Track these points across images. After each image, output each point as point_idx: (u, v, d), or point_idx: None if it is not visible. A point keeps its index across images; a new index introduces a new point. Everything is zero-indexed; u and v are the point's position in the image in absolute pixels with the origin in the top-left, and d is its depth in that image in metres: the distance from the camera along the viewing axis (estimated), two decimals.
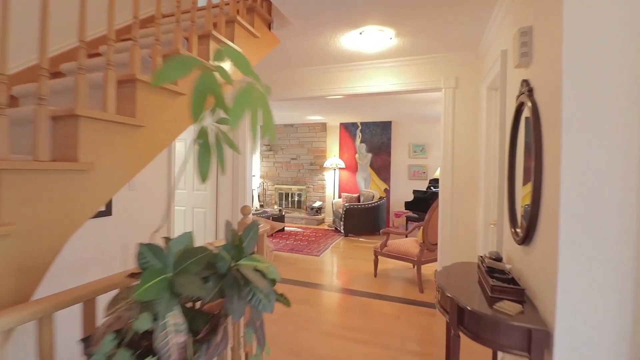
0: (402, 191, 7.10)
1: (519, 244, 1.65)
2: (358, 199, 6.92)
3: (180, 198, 4.07)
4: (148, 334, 0.82)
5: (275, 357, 2.32)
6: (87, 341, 0.88)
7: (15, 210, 1.03)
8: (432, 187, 5.56)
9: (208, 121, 1.01)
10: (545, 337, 1.21)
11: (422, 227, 3.48)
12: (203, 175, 0.95)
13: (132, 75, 1.42)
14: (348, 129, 7.55)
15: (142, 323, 0.79)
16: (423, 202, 5.36)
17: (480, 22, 2.43)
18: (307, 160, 7.76)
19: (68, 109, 1.20)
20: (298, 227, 6.99)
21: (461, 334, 1.48)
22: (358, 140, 7.46)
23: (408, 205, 5.53)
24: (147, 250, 0.89)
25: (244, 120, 3.74)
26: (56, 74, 2.07)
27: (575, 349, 1.16)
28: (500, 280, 1.58)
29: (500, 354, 2.10)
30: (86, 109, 1.23)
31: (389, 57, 3.14)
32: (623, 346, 1.11)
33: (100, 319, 0.95)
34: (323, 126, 7.63)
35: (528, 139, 1.60)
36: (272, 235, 6.10)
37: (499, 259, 1.83)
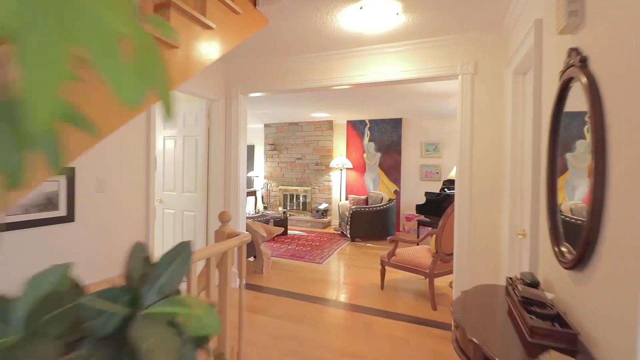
0: (414, 193, 6.64)
1: (566, 268, 1.22)
2: (366, 201, 6.50)
3: (170, 200, 3.76)
4: None
5: None
6: None
7: None
8: (446, 189, 5.10)
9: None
10: None
11: (435, 235, 3.06)
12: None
13: None
14: (356, 126, 7.14)
15: None
16: (436, 205, 4.91)
17: None
18: (313, 160, 7.39)
19: None
20: (302, 231, 6.62)
21: None
22: (366, 138, 7.05)
23: (420, 208, 5.09)
24: None
25: (223, 113, 3.34)
26: None
27: None
28: (541, 317, 1.17)
29: None
30: None
31: (396, 40, 2.74)
32: None
33: None
34: (329, 124, 7.25)
35: (577, 128, 1.19)
36: (273, 239, 5.75)
37: (534, 284, 1.42)
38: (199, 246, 3.58)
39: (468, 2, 2.13)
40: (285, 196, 7.72)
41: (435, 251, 3.05)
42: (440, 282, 3.67)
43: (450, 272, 3.18)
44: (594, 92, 1.06)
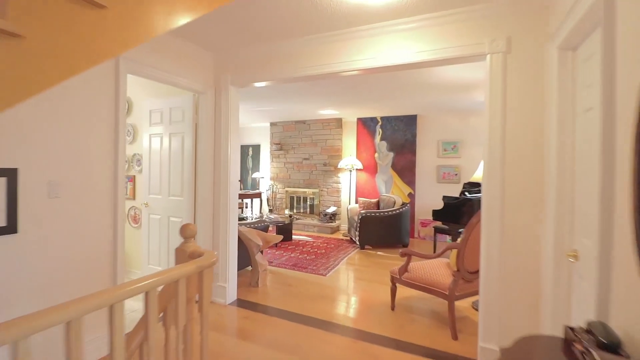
0: (430, 196, 6.10)
1: None
2: (377, 204, 6.01)
3: (155, 205, 3.40)
4: None
5: None
6: None
7: None
8: (466, 193, 4.56)
9: None
10: None
11: (456, 250, 2.55)
12: None
13: None
14: (366, 124, 6.65)
15: None
16: (455, 211, 4.37)
17: None
18: (321, 161, 6.95)
19: None
20: (308, 236, 6.18)
21: None
22: (378, 137, 6.55)
23: (437, 214, 4.56)
24: None
25: (212, 108, 2.94)
26: None
27: None
28: None
29: None
30: None
31: (408, 14, 2.26)
32: None
33: None
34: (338, 122, 6.79)
35: None
36: (276, 245, 5.33)
37: (612, 345, 0.93)
38: None
39: None
40: (291, 198, 7.31)
41: (456, 269, 2.55)
42: (461, 302, 3.15)
43: (475, 293, 2.67)
44: None
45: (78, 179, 2.11)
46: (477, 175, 3.43)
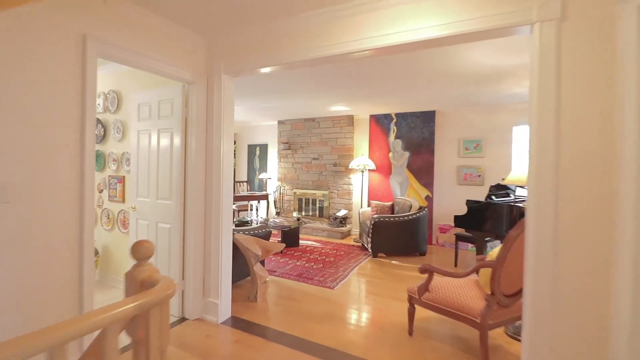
0: (449, 199, 5.59)
1: None
2: (391, 208, 5.54)
3: (143, 209, 3.06)
4: None
5: None
6: None
7: None
8: (493, 197, 4.05)
9: None
10: None
11: (492, 270, 2.09)
12: None
13: None
14: (380, 122, 6.20)
15: None
16: (480, 217, 3.87)
17: None
18: (331, 161, 6.53)
19: None
20: (316, 241, 5.77)
21: None
22: (392, 135, 6.08)
23: (459, 221, 4.07)
24: None
25: (203, 100, 2.56)
26: None
27: None
28: None
29: None
30: None
31: None
32: None
33: None
34: (349, 119, 6.35)
35: None
36: (281, 252, 4.94)
37: None
38: (174, 273, 2.84)
39: None
40: (299, 200, 6.92)
41: (490, 292, 2.08)
42: (495, 331, 2.67)
43: (512, 320, 2.20)
44: None
45: (35, 181, 1.76)
46: (515, 177, 2.94)
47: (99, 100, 3.60)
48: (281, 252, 4.94)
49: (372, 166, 6.05)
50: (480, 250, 3.88)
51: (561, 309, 1.63)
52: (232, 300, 3.11)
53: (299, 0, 2.12)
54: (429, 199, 5.69)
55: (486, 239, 3.89)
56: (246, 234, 3.34)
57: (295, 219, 6.23)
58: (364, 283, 3.80)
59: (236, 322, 2.76)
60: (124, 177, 3.40)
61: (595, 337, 1.56)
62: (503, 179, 4.70)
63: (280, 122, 7.10)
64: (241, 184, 7.83)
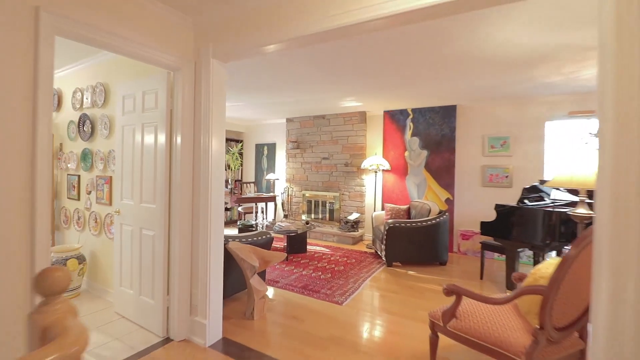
0: (473, 202, 5.07)
1: None
2: (407, 212, 5.06)
3: (128, 212, 2.73)
4: None
5: None
6: None
7: None
8: (525, 200, 3.53)
9: None
10: None
11: (542, 298, 1.62)
12: None
13: None
14: (395, 118, 5.73)
15: None
16: (511, 223, 3.37)
17: None
18: (342, 160, 6.11)
19: None
20: (326, 247, 5.35)
21: None
22: (408, 132, 5.60)
23: (487, 227, 3.57)
24: None
25: (190, 89, 2.19)
26: None
27: None
28: None
29: None
30: None
31: None
32: None
33: None
34: (362, 116, 5.92)
35: None
36: (286, 259, 4.56)
37: None
38: (157, 288, 2.49)
39: None
40: (309, 203, 6.53)
41: (539, 327, 1.62)
42: None
43: (564, 358, 1.73)
44: None
45: None
46: (559, 179, 2.44)
47: (87, 94, 3.31)
48: (286, 259, 4.56)
49: (387, 166, 5.59)
50: (512, 262, 3.37)
51: None
52: (226, 317, 2.74)
53: None
54: (449, 202, 5.19)
55: (519, 250, 3.38)
56: (242, 242, 2.97)
57: (304, 222, 5.84)
58: (377, 298, 3.37)
59: (227, 346, 2.38)
60: (110, 177, 3.09)
61: None
62: (541, 180, 4.16)
63: (288, 120, 6.74)
64: (248, 185, 7.51)
